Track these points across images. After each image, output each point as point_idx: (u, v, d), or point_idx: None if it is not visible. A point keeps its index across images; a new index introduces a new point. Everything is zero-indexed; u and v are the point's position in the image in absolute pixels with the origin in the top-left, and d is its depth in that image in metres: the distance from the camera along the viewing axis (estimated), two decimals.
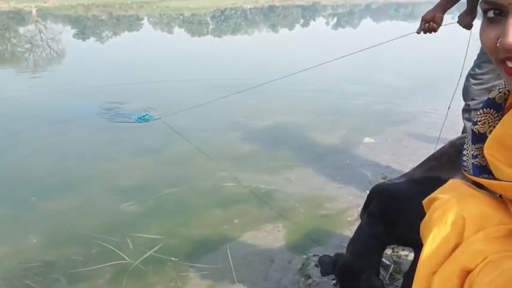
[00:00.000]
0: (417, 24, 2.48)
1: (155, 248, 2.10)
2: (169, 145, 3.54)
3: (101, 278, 1.91)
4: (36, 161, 3.24)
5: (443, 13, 2.40)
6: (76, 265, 1.99)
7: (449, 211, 0.76)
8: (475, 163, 0.79)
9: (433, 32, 2.46)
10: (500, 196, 0.78)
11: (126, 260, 2.01)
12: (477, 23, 0.93)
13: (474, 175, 0.78)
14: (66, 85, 5.67)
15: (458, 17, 2.43)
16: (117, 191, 2.72)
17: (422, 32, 2.47)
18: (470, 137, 0.80)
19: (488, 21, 0.67)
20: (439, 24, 2.42)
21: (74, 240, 2.19)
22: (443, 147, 1.56)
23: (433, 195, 0.84)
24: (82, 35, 12.43)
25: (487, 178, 0.75)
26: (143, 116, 4.16)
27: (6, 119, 4.23)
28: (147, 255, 2.05)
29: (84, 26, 14.25)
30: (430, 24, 2.42)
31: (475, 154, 0.79)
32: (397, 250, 2.00)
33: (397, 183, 1.59)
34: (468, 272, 0.70)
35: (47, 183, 2.87)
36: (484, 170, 0.77)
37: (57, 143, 3.60)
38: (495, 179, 0.74)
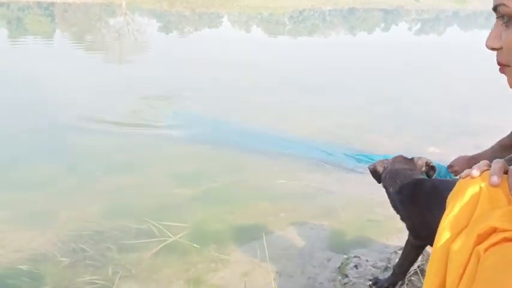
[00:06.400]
0: None
1: (200, 230, 2.20)
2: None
3: (148, 251, 2.03)
4: (104, 140, 3.49)
5: None
6: (127, 237, 2.13)
7: (471, 185, 0.76)
8: None
9: None
10: None
11: (172, 238, 2.12)
12: None
13: None
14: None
15: None
16: (172, 176, 2.86)
17: None
18: None
19: None
20: None
21: (128, 215, 2.34)
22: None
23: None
24: (165, 28, 13.08)
25: None
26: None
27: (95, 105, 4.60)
28: (192, 236, 2.14)
29: (168, 21, 14.97)
30: None
31: None
32: None
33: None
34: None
35: (111, 160, 3.09)
36: None
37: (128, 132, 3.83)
38: None
